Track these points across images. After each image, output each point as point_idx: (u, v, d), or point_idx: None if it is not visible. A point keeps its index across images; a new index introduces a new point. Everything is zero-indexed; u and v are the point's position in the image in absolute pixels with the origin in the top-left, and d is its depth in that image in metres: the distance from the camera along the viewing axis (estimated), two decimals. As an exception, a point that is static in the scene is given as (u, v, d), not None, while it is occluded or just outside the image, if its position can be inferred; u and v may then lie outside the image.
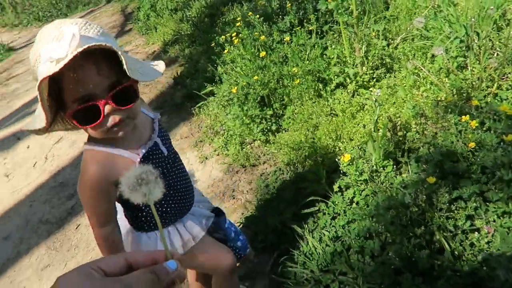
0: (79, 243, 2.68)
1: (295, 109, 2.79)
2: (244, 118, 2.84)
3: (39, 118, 0.96)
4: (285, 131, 2.87)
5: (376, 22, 2.98)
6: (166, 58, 5.09)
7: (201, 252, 1.42)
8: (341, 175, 2.24)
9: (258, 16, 3.46)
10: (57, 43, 0.87)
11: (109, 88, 0.97)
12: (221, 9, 4.89)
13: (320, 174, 2.15)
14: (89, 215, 1.17)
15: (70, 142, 3.93)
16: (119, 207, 1.29)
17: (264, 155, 2.86)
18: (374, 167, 2.09)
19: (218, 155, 3.06)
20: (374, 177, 2.04)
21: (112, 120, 1.00)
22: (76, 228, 2.82)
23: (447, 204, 1.49)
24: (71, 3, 12.21)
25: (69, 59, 0.85)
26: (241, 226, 2.39)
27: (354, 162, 2.01)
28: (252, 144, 2.98)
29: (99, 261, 0.51)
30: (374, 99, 2.10)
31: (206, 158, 3.06)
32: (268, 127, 2.86)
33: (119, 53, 0.92)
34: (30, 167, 3.76)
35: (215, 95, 3.39)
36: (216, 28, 4.44)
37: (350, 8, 2.61)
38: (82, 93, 0.95)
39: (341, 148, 2.43)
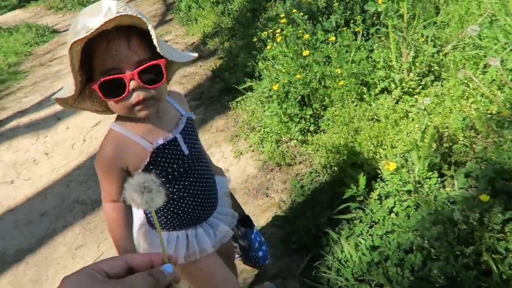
0: (112, 227, 2.73)
1: (336, 111, 2.74)
2: (282, 116, 2.82)
3: (68, 87, 1.00)
4: (324, 132, 2.83)
5: (426, 28, 2.88)
6: (205, 50, 5.12)
7: (200, 270, 1.33)
8: (381, 182, 2.18)
9: (302, 14, 3.41)
10: (94, 17, 0.91)
11: (137, 65, 0.99)
12: (263, 4, 4.86)
13: (360, 180, 2.10)
14: (101, 188, 1.20)
15: (109, 125, 4.01)
16: None
17: (300, 155, 2.82)
18: (417, 178, 2.02)
19: (253, 151, 3.05)
20: (418, 188, 1.98)
21: (136, 97, 1.01)
22: (110, 211, 2.88)
23: (500, 225, 1.42)
24: (114, -11, 12.49)
25: (101, 23, 0.88)
26: (273, 225, 2.38)
27: (398, 171, 1.95)
28: (288, 143, 2.95)
29: (102, 263, 0.54)
30: (422, 108, 2.02)
31: (241, 154, 3.05)
32: (306, 127, 2.82)
33: (150, 26, 0.96)
34: (69, 148, 3.87)
35: (253, 91, 3.37)
36: (257, 23, 4.42)
37: (400, 11, 2.53)
38: (110, 65, 0.97)
39: (382, 155, 2.37)
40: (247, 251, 1.71)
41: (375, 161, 2.37)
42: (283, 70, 2.83)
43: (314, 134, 2.83)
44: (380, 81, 2.65)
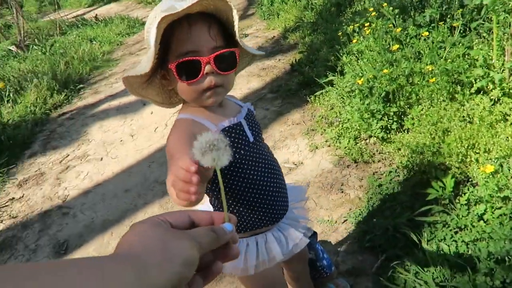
0: (188, 207, 2.85)
1: (423, 109, 2.59)
2: (364, 112, 2.73)
3: (141, 66, 1.02)
4: (406, 131, 2.69)
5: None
6: (285, 44, 5.13)
7: (263, 277, 1.29)
8: (471, 187, 2.03)
9: (392, 8, 3.27)
10: (180, 0, 0.96)
11: (213, 51, 1.02)
12: (348, -1, 4.75)
13: (447, 183, 1.96)
14: (168, 165, 1.15)
15: (189, 113, 4.20)
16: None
17: (380, 153, 2.72)
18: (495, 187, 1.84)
19: (329, 146, 3.00)
20: (514, 196, 1.80)
21: (209, 81, 1.03)
22: (187, 193, 3.00)
23: None
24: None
25: (192, 2, 0.91)
26: (346, 221, 2.32)
27: (494, 176, 1.79)
28: (367, 140, 2.86)
29: (167, 215, 0.56)
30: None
31: (317, 148, 3.02)
32: (389, 125, 2.70)
33: (234, 11, 1.00)
34: (152, 131, 4.11)
35: (334, 86, 3.31)
36: (342, 18, 4.33)
37: (510, 6, 2.31)
38: (189, 47, 1.00)
39: (473, 159, 2.19)
40: (315, 262, 1.68)
41: (464, 165, 2.20)
42: (369, 65, 2.74)
43: (396, 133, 2.71)
44: (477, 80, 2.45)
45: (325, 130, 3.11)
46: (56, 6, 12.19)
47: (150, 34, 0.97)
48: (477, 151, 2.24)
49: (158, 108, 4.52)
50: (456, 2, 2.91)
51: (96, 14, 11.01)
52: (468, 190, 1.98)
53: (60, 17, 10.55)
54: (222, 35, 1.06)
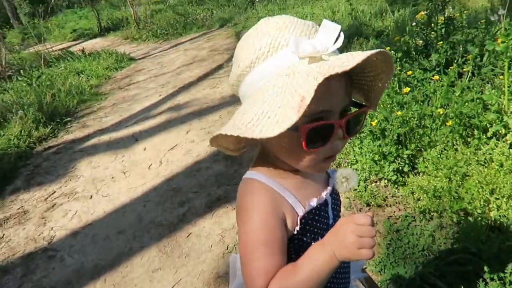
0: (190, 252, 2.66)
1: (435, 153, 2.54)
2: (375, 154, 2.66)
3: (270, 124, 0.72)
4: (418, 174, 2.63)
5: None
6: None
7: None
8: (500, 234, 1.95)
9: (395, 51, 3.31)
10: (327, 40, 0.76)
11: (341, 111, 0.82)
12: (353, 40, 4.82)
13: (479, 229, 1.87)
14: (247, 261, 0.83)
15: (185, 150, 4.06)
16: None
17: (393, 196, 2.63)
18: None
19: (339, 191, 2.89)
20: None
21: (335, 148, 0.83)
22: (188, 236, 2.82)
23: None
24: (186, 25, 13.23)
25: (371, 54, 0.71)
26: (366, 269, 2.18)
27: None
28: (378, 183, 2.78)
29: None
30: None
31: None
32: (401, 167, 2.64)
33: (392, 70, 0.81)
34: (146, 168, 3.93)
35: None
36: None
37: (520, 52, 2.34)
38: (324, 106, 0.78)
39: (495, 205, 2.13)
40: None
41: (488, 210, 2.13)
42: (381, 106, 2.70)
43: (409, 176, 2.64)
44: (491, 124, 2.43)
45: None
46: (41, 38, 12.08)
47: (289, 82, 0.72)
48: (497, 197, 2.18)
49: (151, 144, 4.41)
50: (461, 48, 2.96)
51: (83, 48, 10.94)
52: (498, 237, 1.89)
53: (46, 49, 10.41)
54: (350, 90, 0.86)
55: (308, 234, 0.91)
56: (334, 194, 1.01)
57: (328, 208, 0.97)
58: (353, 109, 0.86)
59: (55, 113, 5.75)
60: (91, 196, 3.64)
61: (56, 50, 11.13)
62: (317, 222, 0.93)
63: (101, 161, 4.30)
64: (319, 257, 0.82)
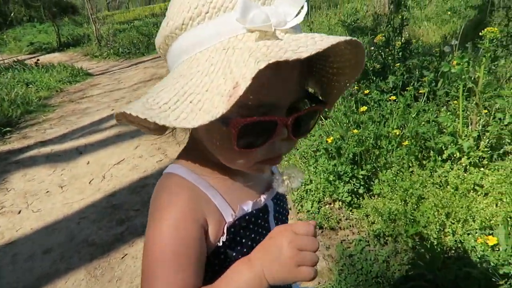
0: (123, 276, 2.36)
1: (391, 174, 2.45)
2: (330, 174, 2.53)
3: (191, 110, 0.54)
4: (373, 196, 2.52)
5: (497, 97, 2.65)
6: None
7: None
8: (456, 260, 1.83)
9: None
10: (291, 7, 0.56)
11: (291, 106, 0.64)
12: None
13: (436, 255, 1.74)
14: (148, 277, 0.63)
15: (132, 166, 3.77)
16: None
17: (347, 219, 2.49)
18: (503, 260, 1.66)
19: (290, 209, 2.72)
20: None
21: (278, 149, 0.65)
22: (122, 257, 2.52)
23: None
24: (149, 45, 13.01)
25: (332, 43, 0.52)
26: (314, 297, 1.99)
27: (487, 250, 1.61)
28: (332, 205, 2.63)
29: None
30: (515, 176, 1.72)
31: (277, 210, 2.73)
32: (355, 189, 2.52)
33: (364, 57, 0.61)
34: (86, 183, 3.59)
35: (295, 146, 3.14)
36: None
37: (477, 75, 2.33)
38: (268, 98, 0.59)
39: (451, 229, 2.03)
40: None
41: (443, 235, 2.03)
42: (338, 124, 2.60)
43: (363, 198, 2.52)
44: (447, 147, 2.38)
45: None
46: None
47: (224, 62, 0.55)
48: (452, 221, 2.08)
49: (96, 158, 4.08)
50: (417, 72, 2.96)
51: (38, 59, 10.42)
52: (454, 264, 1.77)
53: (-3, 59, 9.83)
54: (304, 83, 0.68)
55: (238, 248, 0.70)
56: (279, 200, 0.82)
57: (269, 216, 0.77)
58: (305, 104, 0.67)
59: (-6, 122, 5.28)
60: (20, 211, 3.25)
61: (8, 62, 10.52)
62: (252, 233, 0.73)
63: (38, 174, 3.90)
64: (241, 277, 0.63)
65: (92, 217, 3.04)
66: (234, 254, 0.69)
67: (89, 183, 3.60)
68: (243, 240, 0.71)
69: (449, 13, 6.78)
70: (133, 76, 8.28)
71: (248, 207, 0.71)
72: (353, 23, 6.64)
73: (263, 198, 0.75)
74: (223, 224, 0.68)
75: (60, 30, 16.95)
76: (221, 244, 0.68)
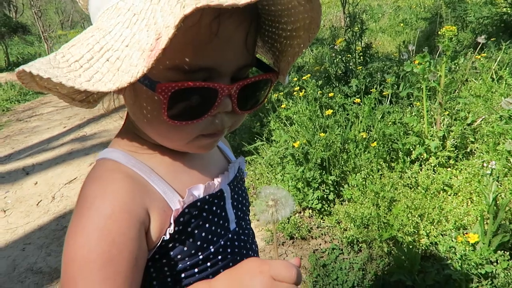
0: (74, 305, 2.09)
1: (361, 178, 2.36)
2: (298, 181, 2.41)
3: (108, 70, 0.44)
4: (344, 202, 2.42)
5: (460, 97, 2.66)
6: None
7: None
8: (430, 262, 1.74)
9: (316, 80, 3.21)
10: None
11: (238, 73, 0.55)
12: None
13: (413, 260, 1.64)
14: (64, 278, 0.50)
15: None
16: None
17: (318, 227, 2.37)
18: (480, 259, 1.59)
19: (258, 220, 2.56)
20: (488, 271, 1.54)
21: (219, 123, 0.56)
22: (73, 284, 2.25)
23: None
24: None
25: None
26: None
27: (467, 249, 1.53)
28: (302, 213, 2.51)
29: None
30: (489, 172, 1.67)
31: (243, 222, 2.57)
32: (325, 195, 2.41)
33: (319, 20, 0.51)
34: (33, 205, 3.27)
35: (259, 154, 3.00)
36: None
37: (439, 74, 2.32)
38: (206, 61, 0.50)
39: (424, 232, 1.95)
40: None
41: (418, 238, 1.94)
42: (304, 128, 2.50)
43: (334, 204, 2.41)
44: (414, 148, 2.33)
45: (252, 201, 2.70)
46: None
47: (148, 12, 0.44)
48: (426, 223, 2.01)
49: (45, 178, 3.74)
50: (379, 75, 2.94)
51: (-19, 78, 9.76)
52: (433, 267, 1.68)
53: None
54: (254, 48, 0.58)
55: (190, 241, 0.58)
56: (237, 185, 0.70)
57: (226, 203, 0.65)
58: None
59: None
60: (-47, 241, 2.88)
61: None
62: (206, 223, 0.61)
63: (-23, 198, 3.52)
64: None
65: (39, 242, 2.73)
66: (185, 248, 0.58)
67: (37, 205, 3.28)
68: (195, 231, 0.59)
69: (401, 24, 7.01)
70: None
71: (199, 192, 0.60)
72: (311, 35, 6.69)
73: (216, 181, 0.64)
74: (170, 214, 0.57)
75: (9, 49, 16.11)
76: (168, 237, 0.56)
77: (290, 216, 2.44)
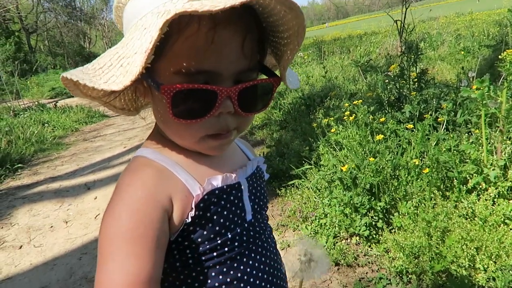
0: (121, 315, 2.17)
1: (412, 206, 2.27)
2: (345, 206, 2.37)
3: (121, 73, 0.53)
4: (393, 230, 2.32)
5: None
6: (252, 140, 4.92)
7: None
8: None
9: (368, 105, 3.17)
10: None
11: (236, 76, 0.60)
12: (317, 101, 4.75)
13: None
14: (103, 260, 0.58)
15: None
16: None
17: (365, 255, 2.29)
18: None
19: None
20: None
21: (223, 125, 0.62)
22: (122, 295, 2.34)
23: None
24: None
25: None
26: None
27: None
28: (349, 240, 2.44)
29: None
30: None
31: (288, 246, 2.54)
32: (374, 222, 2.33)
33: (304, 21, 0.56)
34: (92, 218, 3.48)
35: (307, 178, 2.99)
36: (312, 116, 4.24)
37: (499, 100, 2.21)
38: (205, 65, 0.57)
39: (482, 265, 1.82)
40: None
41: (474, 272, 1.81)
42: (353, 152, 2.46)
43: (383, 232, 2.33)
44: (471, 176, 2.21)
45: (298, 226, 2.68)
46: (17, 94, 11.85)
47: (140, 25, 0.56)
48: (483, 256, 1.88)
49: (104, 193, 3.98)
50: (434, 101, 2.85)
51: (57, 101, 10.71)
52: (489, 303, 1.56)
53: (18, 104, 10.13)
54: (255, 53, 0.63)
55: (209, 226, 0.66)
56: (255, 182, 0.77)
57: (244, 195, 0.72)
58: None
59: (7, 159, 5.29)
60: (21, 246, 3.13)
61: (28, 104, 10.84)
62: (224, 210, 0.68)
63: (43, 209, 3.81)
64: None
65: (95, 252, 2.88)
66: (204, 232, 0.65)
67: (95, 218, 3.49)
68: (214, 217, 0.66)
69: (462, 52, 6.76)
70: (148, 117, 8.37)
71: (217, 181, 0.67)
72: (366, 63, 6.66)
73: (234, 174, 0.71)
74: (191, 200, 0.64)
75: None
76: (189, 220, 0.64)
77: (336, 243, 2.39)
